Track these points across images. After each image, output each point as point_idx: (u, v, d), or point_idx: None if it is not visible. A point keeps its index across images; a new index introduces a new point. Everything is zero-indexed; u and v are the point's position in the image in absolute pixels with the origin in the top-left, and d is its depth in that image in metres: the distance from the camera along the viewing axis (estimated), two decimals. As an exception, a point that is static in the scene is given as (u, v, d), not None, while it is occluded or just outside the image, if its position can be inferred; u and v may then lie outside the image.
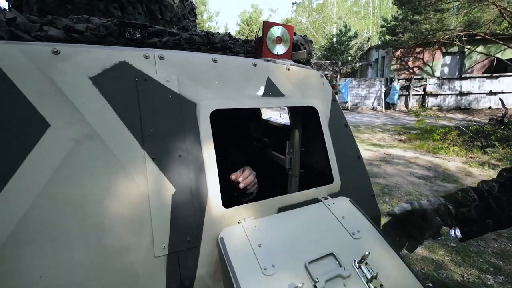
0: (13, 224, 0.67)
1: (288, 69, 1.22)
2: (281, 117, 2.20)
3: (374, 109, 15.50)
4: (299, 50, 1.63)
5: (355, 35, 24.22)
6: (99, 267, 0.74)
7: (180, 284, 0.82)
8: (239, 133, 1.92)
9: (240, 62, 1.10)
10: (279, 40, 1.50)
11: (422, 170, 5.36)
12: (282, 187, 1.56)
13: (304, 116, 1.44)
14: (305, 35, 1.69)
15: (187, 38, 1.25)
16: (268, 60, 1.25)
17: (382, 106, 15.12)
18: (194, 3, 2.48)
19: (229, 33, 1.51)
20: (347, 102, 15.42)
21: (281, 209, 1.03)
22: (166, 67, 0.94)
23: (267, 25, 1.45)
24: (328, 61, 15.65)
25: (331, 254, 0.86)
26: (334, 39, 24.53)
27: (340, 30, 23.86)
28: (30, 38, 0.93)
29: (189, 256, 0.85)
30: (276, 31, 1.49)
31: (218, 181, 0.93)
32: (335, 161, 1.22)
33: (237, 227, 0.91)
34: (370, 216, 1.26)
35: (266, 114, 2.90)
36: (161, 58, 0.93)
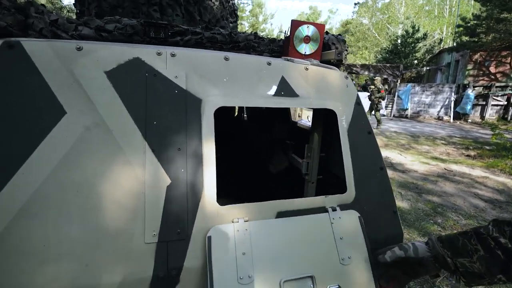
0: (27, 197, 0.77)
1: (307, 68, 1.16)
2: (308, 120, 2.11)
3: (439, 118, 13.81)
4: (330, 49, 1.54)
5: (424, 36, 21.90)
6: (94, 244, 0.80)
7: (167, 272, 0.84)
8: (264, 133, 1.91)
9: (253, 61, 1.09)
10: (307, 39, 1.44)
11: (491, 193, 4.57)
12: (300, 192, 1.49)
13: (325, 119, 1.35)
14: (339, 34, 1.59)
15: (209, 37, 1.28)
16: (287, 59, 1.21)
17: (450, 116, 13.37)
18: (236, 4, 2.54)
19: (255, 32, 1.50)
20: (406, 109, 14.04)
21: (280, 214, 0.99)
22: (176, 63, 0.98)
23: (295, 24, 1.40)
24: (388, 64, 14.50)
25: (310, 277, 0.81)
26: (399, 41, 22.58)
27: (407, 31, 21.83)
28: (67, 37, 1.06)
29: (178, 247, 0.87)
30: (305, 30, 1.43)
31: (215, 178, 0.93)
32: (351, 169, 1.11)
33: (228, 228, 0.90)
34: (391, 234, 1.13)
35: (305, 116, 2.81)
36: (173, 55, 0.98)
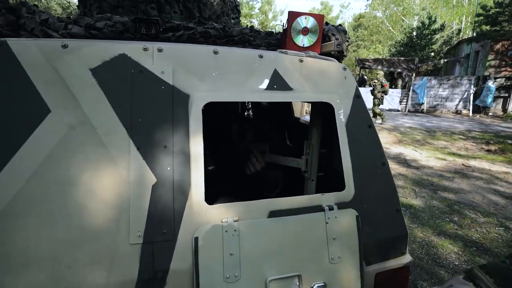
0: (10, 197, 0.76)
1: (301, 60, 1.11)
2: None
3: (457, 112, 13.25)
4: (330, 41, 1.47)
5: (442, 28, 21.01)
6: (77, 245, 0.79)
7: (152, 275, 0.82)
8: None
9: (243, 54, 1.05)
10: (305, 31, 1.38)
11: (513, 189, 4.33)
12: (300, 191, 1.44)
13: (324, 114, 1.29)
14: (340, 25, 1.52)
15: (202, 32, 1.25)
16: (281, 52, 1.16)
17: (469, 110, 12.80)
18: (238, 0, 2.49)
19: (251, 26, 1.46)
20: (422, 103, 13.55)
21: (272, 214, 0.95)
22: (163, 59, 0.95)
23: (293, 15, 1.35)
24: (402, 58, 14.03)
25: (297, 275, 0.77)
26: (414, 33, 21.79)
27: (423, 23, 21.01)
28: (58, 36, 1.06)
29: (164, 248, 0.84)
30: (303, 22, 1.37)
31: (203, 176, 0.90)
32: (349, 165, 1.06)
33: (216, 228, 0.87)
34: (394, 234, 1.07)
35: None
36: (160, 50, 0.95)
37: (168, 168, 0.88)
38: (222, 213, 0.90)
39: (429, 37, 20.62)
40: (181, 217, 0.87)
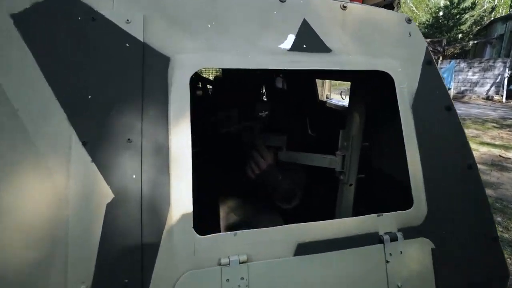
0: None
1: (344, 7, 0.73)
2: (342, 97, 1.64)
3: (489, 98, 12.25)
4: (375, -9, 1.06)
5: (472, 6, 19.30)
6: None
7: None
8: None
9: None
10: (343, -23, 0.98)
11: None
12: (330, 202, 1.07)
13: (371, 89, 0.91)
14: (389, -31, 1.10)
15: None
16: (313, -2, 0.78)
17: (502, 95, 11.78)
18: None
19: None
20: (449, 89, 12.57)
21: (302, 248, 0.60)
22: (129, 1, 0.60)
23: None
24: (428, 40, 12.98)
25: None
26: (441, 13, 20.18)
27: (451, 1, 19.36)
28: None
29: None
30: (339, -36, 0.97)
31: (190, 188, 0.56)
32: (419, 169, 0.68)
33: (211, 275, 0.54)
34: (488, 278, 0.70)
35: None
36: (123, -13, 0.60)
37: (134, 176, 0.54)
38: (221, 249, 0.56)
39: (457, 16, 19.04)
40: (154, 256, 0.54)
